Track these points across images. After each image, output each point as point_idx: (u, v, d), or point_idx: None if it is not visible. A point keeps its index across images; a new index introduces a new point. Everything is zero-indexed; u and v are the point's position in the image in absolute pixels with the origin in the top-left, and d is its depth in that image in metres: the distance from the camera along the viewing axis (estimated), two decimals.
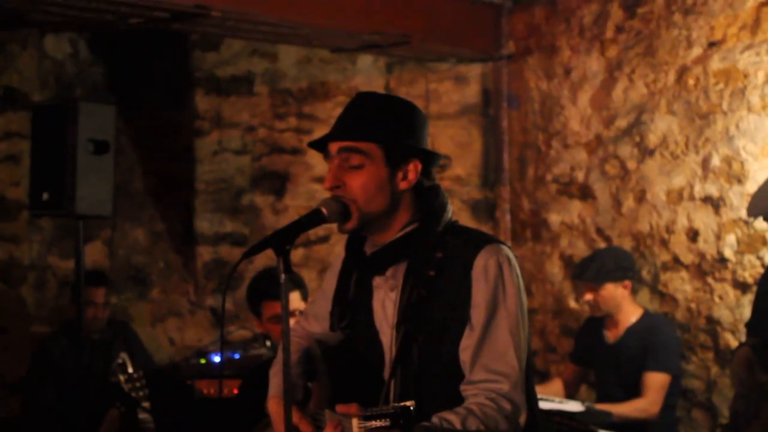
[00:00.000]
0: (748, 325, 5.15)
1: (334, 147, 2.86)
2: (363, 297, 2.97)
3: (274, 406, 3.01)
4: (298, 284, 4.82)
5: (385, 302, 2.90)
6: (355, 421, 2.44)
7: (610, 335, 5.70)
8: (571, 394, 5.89)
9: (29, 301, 6.82)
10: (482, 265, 2.79)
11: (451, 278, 2.81)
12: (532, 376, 2.91)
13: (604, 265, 5.58)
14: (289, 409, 2.62)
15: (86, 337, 5.59)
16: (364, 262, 2.96)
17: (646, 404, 5.44)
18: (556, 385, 5.95)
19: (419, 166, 2.88)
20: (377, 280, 2.93)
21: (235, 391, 5.36)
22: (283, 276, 2.62)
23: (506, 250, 2.85)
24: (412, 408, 2.36)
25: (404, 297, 2.83)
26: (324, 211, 2.78)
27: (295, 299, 4.74)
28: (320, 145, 2.93)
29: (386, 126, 2.85)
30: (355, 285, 3.01)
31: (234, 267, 2.83)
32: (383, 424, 2.37)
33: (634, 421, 5.38)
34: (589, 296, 5.65)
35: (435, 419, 2.63)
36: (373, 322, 2.94)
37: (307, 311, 3.27)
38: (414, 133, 2.89)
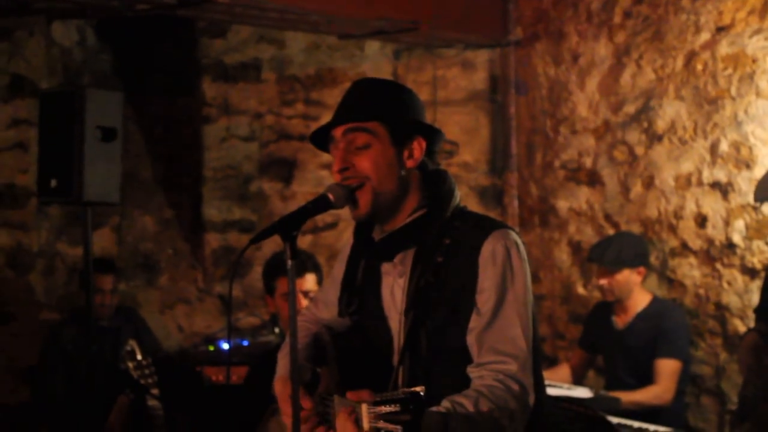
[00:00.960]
0: (757, 311, 5.13)
1: (338, 131, 2.87)
2: (372, 283, 2.98)
3: (280, 385, 3.01)
4: (316, 268, 4.88)
5: (394, 288, 2.91)
6: (364, 407, 2.43)
7: (619, 321, 5.69)
8: (578, 380, 5.89)
9: (38, 288, 6.83)
10: (490, 250, 2.79)
11: (459, 264, 2.82)
12: (540, 362, 2.91)
13: (623, 250, 5.56)
14: (296, 388, 2.61)
15: (95, 324, 5.60)
16: (372, 249, 2.97)
17: (661, 391, 5.44)
18: (564, 370, 5.95)
19: (423, 144, 2.89)
20: (386, 267, 2.94)
21: (243, 378, 5.38)
22: (290, 262, 2.62)
23: (514, 235, 2.85)
24: (422, 393, 2.36)
25: (413, 283, 2.84)
26: (330, 196, 2.78)
27: (310, 281, 4.80)
28: (321, 140, 2.94)
29: (387, 105, 2.87)
30: (363, 271, 3.02)
31: (240, 253, 2.83)
32: (393, 410, 2.37)
33: (647, 407, 5.38)
34: (603, 281, 5.63)
35: (446, 402, 2.63)
36: (382, 308, 2.94)
37: (317, 297, 3.28)
38: (415, 112, 2.91)
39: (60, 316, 6.62)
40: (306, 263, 4.88)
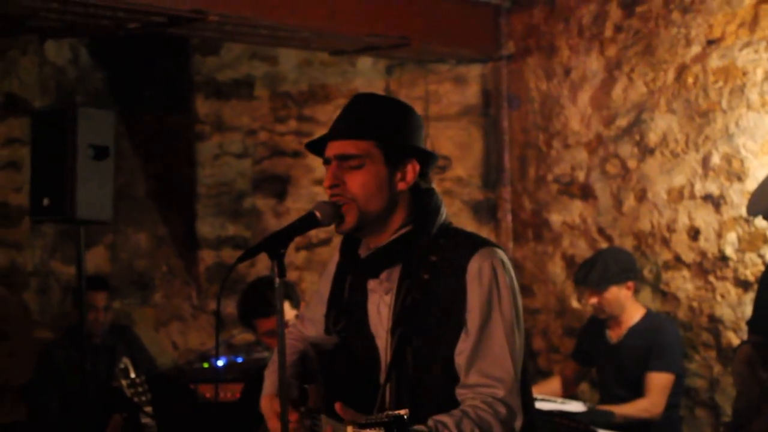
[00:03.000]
0: (750, 323, 5.14)
1: (331, 151, 2.87)
2: (358, 300, 2.97)
3: (266, 403, 3.01)
4: (287, 294, 4.79)
5: (380, 306, 2.90)
6: (349, 429, 2.42)
7: (613, 335, 5.69)
8: (569, 393, 5.88)
9: (32, 306, 6.82)
10: (476, 268, 2.79)
11: (445, 282, 2.81)
12: (529, 379, 2.90)
13: (606, 268, 5.55)
14: (285, 407, 2.62)
15: (88, 342, 5.60)
16: (358, 265, 2.96)
17: (649, 404, 5.43)
18: (554, 383, 5.94)
19: (417, 167, 2.88)
20: (372, 284, 2.93)
21: (238, 395, 5.37)
22: (277, 280, 2.63)
23: (500, 253, 2.85)
24: (405, 417, 2.35)
25: (399, 301, 2.83)
26: (317, 214, 2.78)
27: (285, 309, 4.73)
28: (318, 148, 2.94)
29: (384, 125, 2.86)
30: (350, 288, 3.01)
31: (228, 272, 2.84)
32: None
33: (637, 421, 5.38)
34: (593, 300, 5.62)
35: (430, 422, 2.63)
36: (369, 325, 2.94)
37: (303, 314, 3.27)
38: (412, 134, 2.90)
39: (54, 335, 6.62)
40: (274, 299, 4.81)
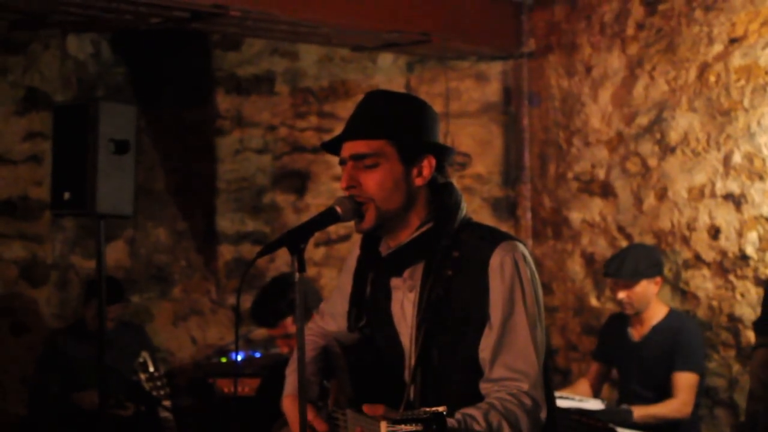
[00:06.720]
0: (757, 324, 5.07)
1: (345, 151, 2.87)
2: (381, 298, 2.98)
3: (288, 404, 3.01)
4: (291, 309, 4.78)
5: (404, 303, 2.91)
6: (383, 425, 2.37)
7: (635, 333, 5.67)
8: (597, 394, 5.85)
9: (52, 300, 6.85)
10: (498, 262, 2.79)
11: (467, 277, 2.81)
12: (550, 373, 2.90)
13: (639, 262, 5.55)
14: (304, 406, 2.61)
15: (92, 335, 5.65)
16: (380, 263, 2.97)
17: (680, 404, 5.42)
18: (583, 385, 5.89)
19: (433, 162, 2.88)
20: (395, 281, 2.93)
21: (256, 390, 5.38)
22: (297, 275, 2.63)
23: (521, 246, 2.85)
24: (444, 413, 2.31)
25: (423, 297, 2.83)
26: (338, 209, 2.79)
27: (287, 324, 4.76)
28: (335, 148, 2.94)
29: (397, 123, 2.86)
30: (372, 285, 3.02)
31: (248, 267, 2.84)
32: (415, 429, 2.31)
33: (667, 421, 5.36)
34: (622, 294, 5.58)
35: (458, 415, 2.63)
36: (393, 323, 2.94)
37: (323, 309, 3.27)
38: (425, 129, 2.90)
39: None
40: (280, 310, 4.82)
